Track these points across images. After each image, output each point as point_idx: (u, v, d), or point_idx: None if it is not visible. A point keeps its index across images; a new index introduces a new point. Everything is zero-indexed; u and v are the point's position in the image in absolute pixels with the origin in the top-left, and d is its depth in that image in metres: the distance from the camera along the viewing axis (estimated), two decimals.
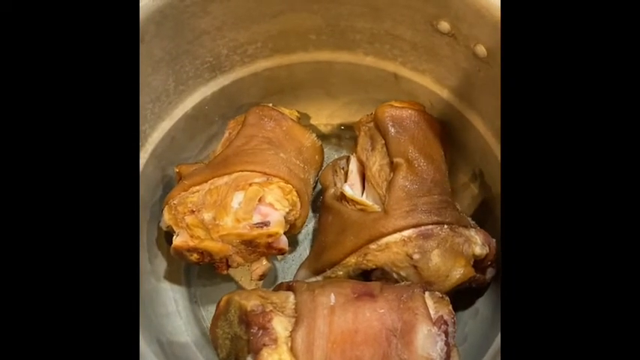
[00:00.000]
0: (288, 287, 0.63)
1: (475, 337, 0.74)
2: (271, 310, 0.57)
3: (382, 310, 0.58)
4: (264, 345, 0.54)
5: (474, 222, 0.74)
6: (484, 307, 0.76)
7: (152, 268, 0.80)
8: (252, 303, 0.57)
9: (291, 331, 0.56)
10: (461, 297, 0.75)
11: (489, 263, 0.73)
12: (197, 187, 0.73)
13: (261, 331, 0.55)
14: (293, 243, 0.85)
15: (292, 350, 0.55)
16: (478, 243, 0.71)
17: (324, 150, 0.86)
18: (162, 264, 0.82)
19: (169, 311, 0.80)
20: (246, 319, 0.57)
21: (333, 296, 0.59)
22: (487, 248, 0.72)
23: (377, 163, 0.75)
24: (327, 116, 0.92)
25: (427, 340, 0.57)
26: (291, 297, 0.61)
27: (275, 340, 0.55)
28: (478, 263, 0.72)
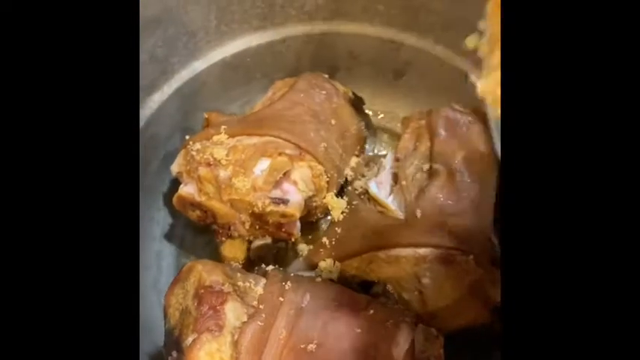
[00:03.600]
0: (264, 273, 0.54)
1: None
2: (229, 292, 0.48)
3: (359, 330, 0.48)
4: (208, 329, 0.46)
5: None
6: None
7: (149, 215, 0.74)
8: (212, 278, 0.49)
9: (243, 322, 0.47)
10: (473, 347, 0.64)
11: None
12: (222, 140, 0.66)
13: (210, 312, 0.47)
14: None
15: (237, 344, 0.46)
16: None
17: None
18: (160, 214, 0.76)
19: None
20: (200, 295, 0.48)
21: (308, 296, 0.50)
22: None
23: (414, 165, 0.65)
24: (382, 104, 0.82)
25: None
26: (261, 283, 0.52)
27: (221, 327, 0.46)
28: (499, 315, 0.60)
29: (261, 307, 0.49)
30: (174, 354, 0.49)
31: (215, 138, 0.66)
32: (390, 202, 0.65)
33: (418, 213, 0.61)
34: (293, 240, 0.70)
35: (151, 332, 0.64)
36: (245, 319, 0.48)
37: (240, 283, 0.51)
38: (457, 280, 0.58)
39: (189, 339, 0.47)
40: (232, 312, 0.48)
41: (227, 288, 0.49)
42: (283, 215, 0.63)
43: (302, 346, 0.47)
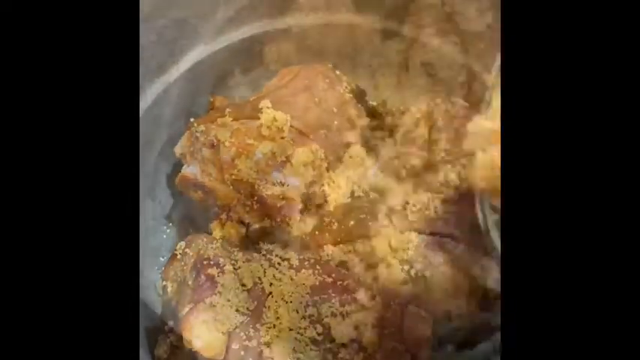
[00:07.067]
0: (260, 250, 0.56)
1: None
2: (226, 265, 0.50)
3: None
4: (204, 299, 0.48)
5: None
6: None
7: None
8: (210, 252, 0.51)
9: (239, 294, 0.49)
10: (462, 333, 0.65)
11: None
12: (226, 122, 0.67)
13: (207, 283, 0.49)
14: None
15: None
16: (494, 276, 0.61)
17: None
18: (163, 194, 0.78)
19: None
20: (199, 267, 0.50)
21: (302, 273, 0.52)
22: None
23: (411, 154, 0.67)
24: (382, 96, 0.83)
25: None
26: (257, 259, 0.54)
27: (218, 296, 0.48)
28: (487, 302, 0.62)
29: (256, 280, 0.50)
30: (171, 323, 0.51)
31: (219, 120, 0.67)
32: (387, 189, 0.67)
33: (413, 200, 0.62)
34: (291, 223, 0.72)
35: (150, 307, 0.65)
36: (240, 291, 0.50)
37: (236, 258, 0.52)
38: (448, 267, 0.59)
39: (186, 309, 0.49)
40: (228, 283, 0.49)
41: (224, 261, 0.50)
42: (283, 198, 0.64)
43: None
